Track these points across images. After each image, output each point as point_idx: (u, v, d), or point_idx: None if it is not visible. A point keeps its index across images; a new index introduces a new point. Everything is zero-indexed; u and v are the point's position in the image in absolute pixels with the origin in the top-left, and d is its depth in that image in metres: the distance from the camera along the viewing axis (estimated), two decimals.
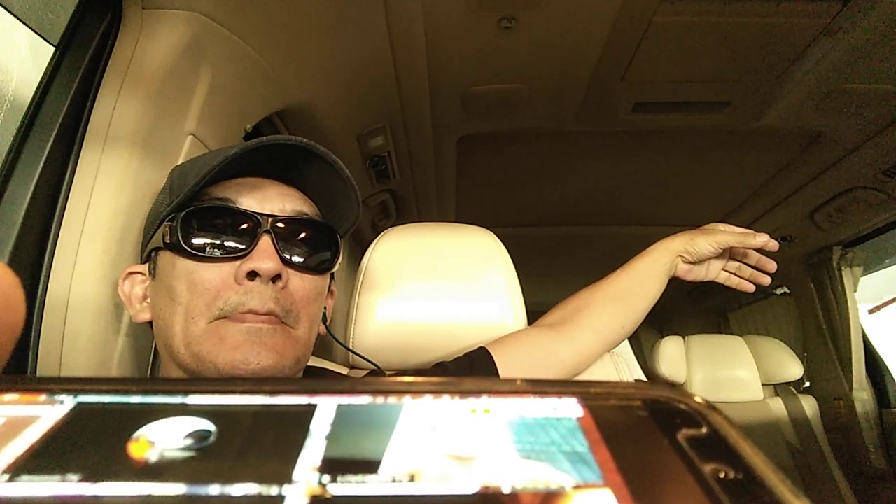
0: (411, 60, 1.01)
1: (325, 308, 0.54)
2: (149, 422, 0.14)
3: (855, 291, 1.77)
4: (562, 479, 0.12)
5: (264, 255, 0.45)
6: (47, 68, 0.57)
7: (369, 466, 0.12)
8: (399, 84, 1.09)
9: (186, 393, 0.15)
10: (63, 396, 0.15)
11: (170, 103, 0.63)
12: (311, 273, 0.49)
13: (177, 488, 0.12)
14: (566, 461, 0.13)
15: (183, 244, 0.45)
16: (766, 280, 0.76)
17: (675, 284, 0.76)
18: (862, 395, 1.74)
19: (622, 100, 1.19)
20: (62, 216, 0.55)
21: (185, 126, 0.65)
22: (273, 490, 0.12)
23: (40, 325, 0.52)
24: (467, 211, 1.77)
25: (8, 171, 0.53)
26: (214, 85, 0.69)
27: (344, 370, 0.77)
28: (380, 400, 0.15)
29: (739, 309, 2.62)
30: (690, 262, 0.74)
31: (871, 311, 4.18)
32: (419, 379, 0.16)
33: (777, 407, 1.80)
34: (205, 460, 0.13)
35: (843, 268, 1.76)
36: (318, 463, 0.12)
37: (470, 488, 0.12)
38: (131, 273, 0.51)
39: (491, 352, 0.64)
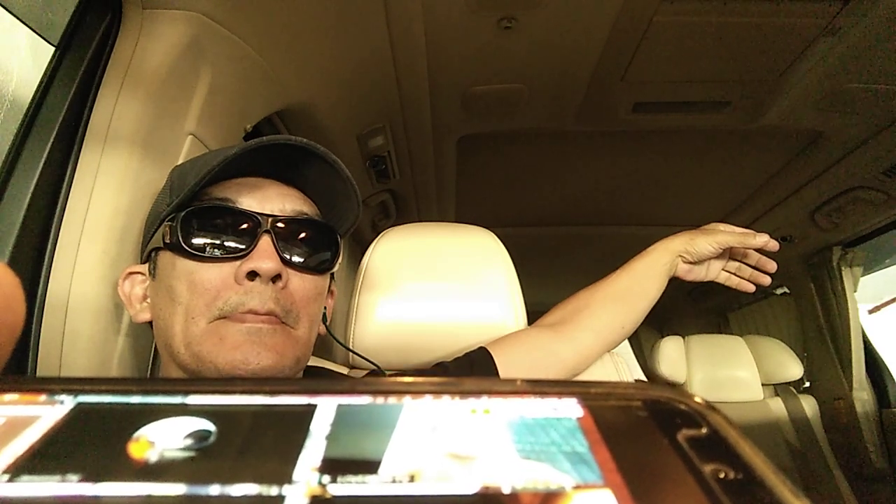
0: (411, 60, 1.01)
1: (325, 308, 0.54)
2: (149, 422, 0.14)
3: (855, 291, 1.77)
4: (562, 479, 0.12)
5: (264, 255, 0.45)
6: (47, 68, 0.57)
7: (369, 466, 0.12)
8: (399, 84, 1.09)
9: (186, 393, 0.15)
10: (63, 396, 0.15)
11: (170, 103, 0.63)
12: (311, 273, 0.49)
13: (177, 488, 0.12)
14: (566, 461, 0.13)
15: (183, 244, 0.45)
16: (766, 280, 0.76)
17: (675, 284, 0.76)
18: (862, 395, 1.74)
19: (622, 100, 1.19)
20: (62, 216, 0.55)
21: (185, 126, 0.65)
22: (273, 490, 0.12)
23: (40, 325, 0.52)
24: (467, 211, 1.77)
25: (8, 171, 0.53)
26: (214, 85, 0.69)
27: (344, 370, 0.77)
28: (380, 400, 0.15)
29: (739, 309, 2.62)
30: (690, 262, 0.74)
31: (871, 311, 4.18)
32: (419, 379, 0.16)
33: (777, 407, 1.80)
34: (205, 460, 0.13)
35: (843, 268, 1.76)
36: (318, 463, 0.12)
37: (470, 488, 0.12)
38: (131, 273, 0.51)
39: (491, 352, 0.64)
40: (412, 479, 0.12)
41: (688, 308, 2.83)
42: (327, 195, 0.52)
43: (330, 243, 0.51)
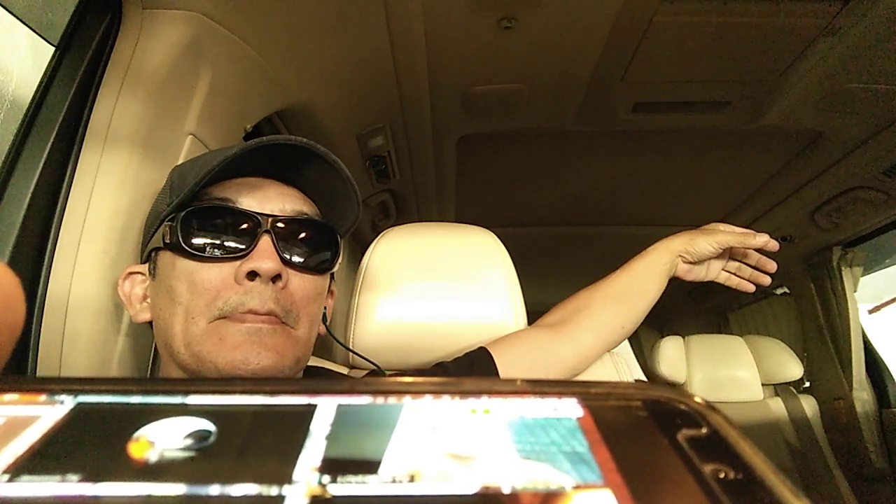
0: (411, 60, 1.01)
1: (325, 308, 0.54)
2: (149, 422, 0.14)
3: (855, 291, 1.77)
4: (562, 479, 0.12)
5: (264, 255, 0.45)
6: (47, 68, 0.57)
7: (369, 466, 0.12)
8: (399, 84, 1.09)
9: (186, 393, 0.15)
10: (63, 396, 0.15)
11: (170, 103, 0.63)
12: (311, 273, 0.49)
13: (177, 488, 0.12)
14: (566, 461, 0.13)
15: (183, 244, 0.45)
16: (766, 280, 0.76)
17: (675, 284, 0.76)
18: (862, 395, 1.74)
19: (622, 100, 1.19)
20: (62, 216, 0.55)
21: (185, 126, 0.65)
22: (273, 490, 0.12)
23: (40, 325, 0.52)
24: (467, 211, 1.77)
25: (8, 171, 0.53)
26: (214, 85, 0.69)
27: (344, 370, 0.77)
28: (380, 400, 0.15)
29: (739, 309, 2.62)
30: (690, 262, 0.74)
31: (871, 311, 4.18)
32: (419, 379, 0.16)
33: (777, 407, 1.80)
34: (205, 460, 0.13)
35: (843, 268, 1.76)
36: (318, 463, 0.12)
37: (470, 488, 0.12)
38: (131, 273, 0.51)
39: (491, 352, 0.64)
40: (412, 479, 0.12)
41: (688, 308, 2.83)
42: (327, 195, 0.52)
43: (330, 243, 0.51)
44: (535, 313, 0.75)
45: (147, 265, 0.51)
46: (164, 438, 0.13)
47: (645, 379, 2.02)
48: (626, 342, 3.04)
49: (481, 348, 0.65)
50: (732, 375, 1.82)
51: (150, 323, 0.50)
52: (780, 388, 1.87)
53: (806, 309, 1.95)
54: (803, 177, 1.49)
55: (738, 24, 0.94)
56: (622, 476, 0.12)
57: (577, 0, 0.88)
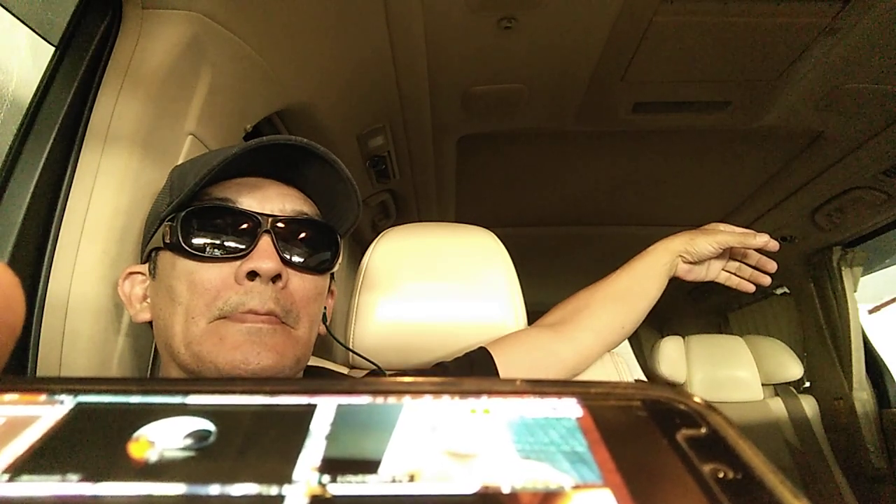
0: (411, 60, 1.01)
1: (325, 308, 0.54)
2: (149, 422, 0.14)
3: (855, 291, 1.77)
4: (561, 479, 0.12)
5: (264, 255, 0.45)
6: (47, 68, 0.57)
7: (369, 466, 0.12)
8: (399, 84, 1.09)
9: (186, 393, 0.15)
10: (63, 396, 0.15)
11: (170, 103, 0.63)
12: (311, 273, 0.49)
13: (177, 488, 0.12)
14: (566, 461, 0.13)
15: (183, 244, 0.45)
16: (767, 280, 0.76)
17: (675, 284, 0.76)
18: (862, 395, 1.74)
19: (622, 100, 1.19)
20: (62, 216, 0.55)
21: (185, 126, 0.65)
22: (273, 490, 0.12)
23: (40, 325, 0.52)
24: (467, 211, 1.77)
25: (8, 171, 0.53)
26: (214, 85, 0.69)
27: (344, 370, 0.77)
28: (380, 400, 0.15)
29: (739, 309, 2.62)
30: (690, 262, 0.74)
31: (871, 311, 4.18)
32: (419, 379, 0.16)
33: (777, 407, 1.80)
34: (205, 460, 0.13)
35: (843, 268, 1.76)
36: (318, 463, 0.12)
37: (470, 488, 0.12)
38: (131, 273, 0.51)
39: (491, 352, 0.64)
40: (412, 478, 0.12)
41: (688, 308, 2.83)
42: (327, 195, 0.52)
43: (330, 243, 0.51)
44: (535, 313, 0.75)
45: (147, 265, 0.51)
46: (164, 438, 0.13)
47: (645, 379, 2.02)
48: (626, 342, 3.04)
49: (481, 348, 0.65)
50: (732, 375, 1.82)
51: (150, 323, 0.50)
52: (780, 388, 1.87)
53: (806, 309, 1.95)
54: (803, 177, 1.49)
55: (737, 24, 0.94)
56: (621, 476, 0.12)
57: (577, 0, 0.88)
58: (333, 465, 0.12)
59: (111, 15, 0.62)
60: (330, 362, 0.80)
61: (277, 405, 0.15)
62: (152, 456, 0.13)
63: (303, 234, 0.49)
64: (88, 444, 0.13)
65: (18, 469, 0.12)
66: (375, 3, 0.86)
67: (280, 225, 0.47)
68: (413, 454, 0.13)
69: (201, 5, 0.65)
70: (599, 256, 1.77)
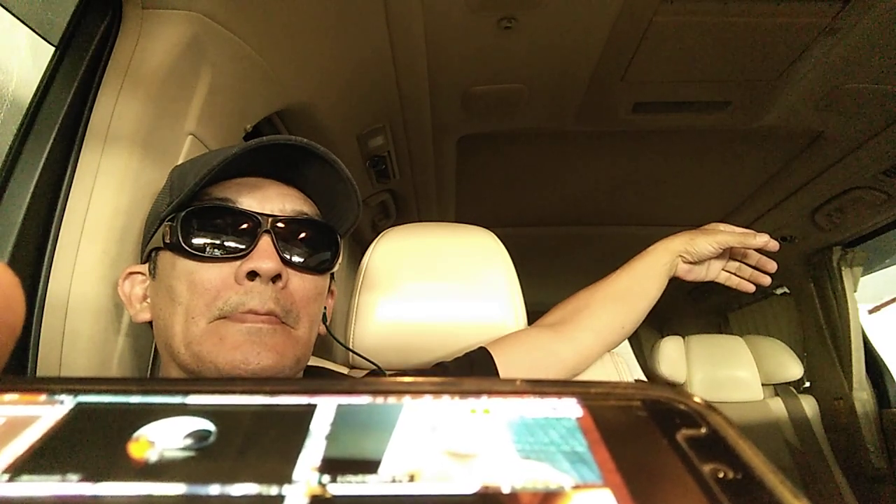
0: (411, 60, 1.01)
1: (325, 308, 0.54)
2: (149, 422, 0.14)
3: (855, 291, 1.77)
4: (561, 479, 0.12)
5: (264, 255, 0.45)
6: (47, 68, 0.57)
7: (369, 466, 0.12)
8: (399, 84, 1.09)
9: (186, 393, 0.15)
10: (63, 396, 0.15)
11: (170, 103, 0.63)
12: (311, 273, 0.49)
13: (177, 488, 0.12)
14: (566, 461, 0.13)
15: (183, 244, 0.45)
16: (767, 280, 0.76)
17: (675, 284, 0.76)
18: (862, 395, 1.74)
19: (622, 100, 1.19)
20: (62, 216, 0.55)
21: (185, 126, 0.65)
22: (273, 490, 0.12)
23: (40, 325, 0.52)
24: (467, 211, 1.77)
25: (8, 171, 0.53)
26: (214, 85, 0.69)
27: (344, 370, 0.77)
28: (380, 400, 0.15)
29: (739, 309, 2.62)
30: (690, 262, 0.74)
31: (871, 311, 4.18)
32: (419, 379, 0.16)
33: (777, 407, 1.80)
34: (205, 460, 0.13)
35: (843, 268, 1.76)
36: (318, 463, 0.12)
37: (469, 488, 0.12)
38: (131, 273, 0.51)
39: (491, 352, 0.64)
40: (412, 478, 0.12)
41: (688, 308, 2.83)
42: (327, 195, 0.52)
43: (330, 243, 0.51)
44: (535, 313, 0.75)
45: (147, 265, 0.51)
46: (164, 438, 0.13)
47: (645, 379, 2.02)
48: (626, 342, 3.04)
49: (481, 348, 0.65)
50: (732, 375, 1.82)
51: (150, 323, 0.50)
52: (780, 388, 1.87)
53: (806, 309, 1.95)
54: (803, 177, 1.49)
55: (737, 24, 0.94)
56: (621, 476, 0.12)
57: (577, 0, 0.88)
58: (333, 465, 0.12)
59: (111, 15, 0.62)
60: (330, 362, 0.80)
61: (277, 405, 0.15)
62: (152, 456, 0.13)
63: (303, 234, 0.49)
64: (88, 444, 0.13)
65: (18, 469, 0.12)
66: (375, 3, 0.86)
67: (280, 225, 0.47)
68: (413, 454, 0.13)
69: (201, 5, 0.65)
70: (599, 256, 1.77)
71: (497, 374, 0.62)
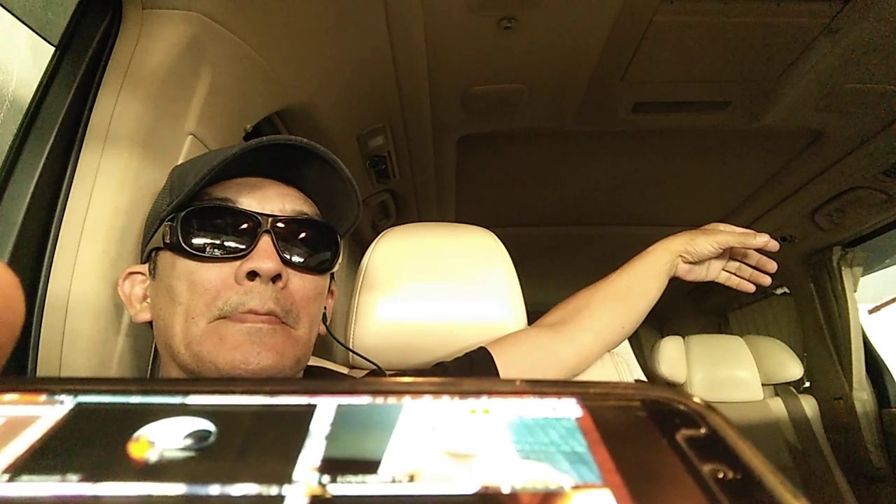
0: (411, 60, 1.01)
1: (325, 308, 0.54)
2: (149, 422, 0.14)
3: (855, 291, 1.77)
4: (561, 479, 0.12)
5: (264, 255, 0.45)
6: (47, 68, 0.57)
7: (369, 466, 0.12)
8: (399, 84, 1.09)
9: (186, 393, 0.15)
10: (63, 396, 0.15)
11: (170, 103, 0.63)
12: (311, 273, 0.49)
13: (177, 488, 0.12)
14: (565, 461, 0.13)
15: (183, 244, 0.45)
16: (767, 280, 0.76)
17: (675, 284, 0.76)
18: (862, 395, 1.74)
19: (622, 100, 1.19)
20: (62, 216, 0.55)
21: (185, 126, 0.65)
22: (273, 490, 0.12)
23: (40, 325, 0.52)
24: (467, 211, 1.77)
25: (8, 171, 0.53)
26: (214, 85, 0.69)
27: (344, 370, 0.77)
28: (380, 400, 0.15)
29: (739, 309, 2.62)
30: (691, 262, 0.74)
31: (871, 311, 4.18)
32: (419, 379, 0.16)
33: (777, 407, 1.80)
34: (205, 460, 0.13)
35: (843, 268, 1.76)
36: (318, 463, 0.12)
37: (469, 488, 0.12)
38: (131, 273, 0.51)
39: (491, 352, 0.64)
40: (412, 478, 0.12)
41: (688, 308, 2.83)
42: (327, 195, 0.52)
43: (330, 243, 0.51)
44: (535, 313, 0.75)
45: (147, 265, 0.51)
46: (164, 438, 0.13)
47: (645, 379, 2.02)
48: (626, 342, 3.04)
49: (481, 348, 0.65)
50: (732, 375, 1.82)
51: (150, 323, 0.50)
52: (780, 388, 1.87)
53: (806, 309, 1.95)
54: (803, 177, 1.49)
55: (737, 24, 0.94)
56: (621, 476, 0.12)
57: (577, 0, 0.88)
58: (333, 465, 0.12)
59: (111, 15, 0.62)
60: (330, 362, 0.80)
61: (277, 405, 0.15)
62: (152, 456, 0.13)
63: (303, 234, 0.49)
64: (88, 444, 0.13)
65: (18, 469, 0.12)
66: (375, 3, 0.86)
67: (280, 225, 0.47)
68: (413, 454, 0.13)
69: (201, 5, 0.65)
70: (599, 256, 1.77)
71: (497, 374, 0.62)
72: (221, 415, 0.14)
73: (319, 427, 0.14)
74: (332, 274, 0.54)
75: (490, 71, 1.08)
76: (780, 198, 1.62)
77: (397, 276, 0.75)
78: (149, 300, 0.50)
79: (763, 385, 1.82)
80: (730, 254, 0.76)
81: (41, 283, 0.53)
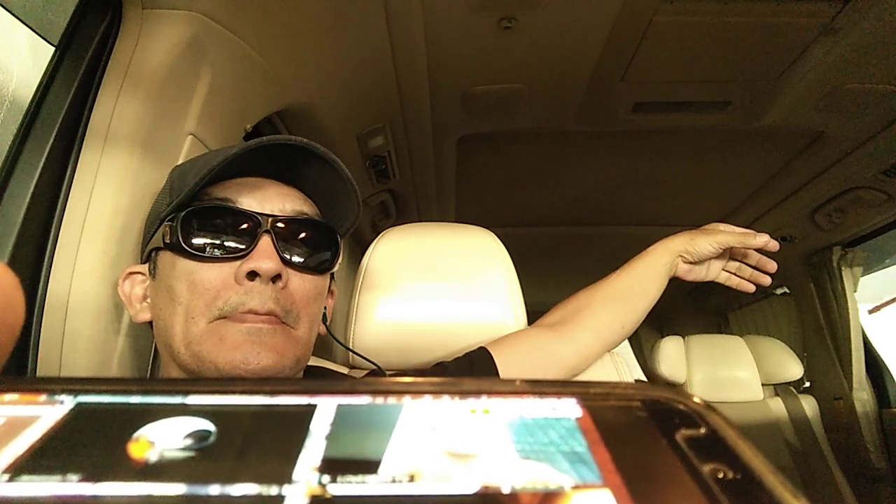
0: (411, 60, 1.01)
1: (325, 308, 0.54)
2: (149, 422, 0.14)
3: (855, 291, 1.77)
4: (561, 479, 0.12)
5: (264, 255, 0.45)
6: (47, 68, 0.57)
7: (369, 466, 0.12)
8: (399, 84, 1.09)
9: (186, 393, 0.15)
10: (63, 396, 0.15)
11: (170, 103, 0.63)
12: (311, 273, 0.49)
13: (177, 488, 0.12)
14: (565, 461, 0.13)
15: (183, 244, 0.45)
16: (767, 280, 0.76)
17: (675, 284, 0.76)
18: (862, 395, 1.74)
19: (622, 100, 1.19)
20: (62, 216, 0.55)
21: (185, 126, 0.65)
22: (273, 490, 0.12)
23: (40, 325, 0.52)
24: (467, 211, 1.77)
25: (8, 171, 0.53)
26: (214, 85, 0.69)
27: (344, 370, 0.77)
28: (380, 400, 0.15)
29: (739, 309, 2.62)
30: (691, 262, 0.74)
31: (871, 311, 4.18)
32: (419, 379, 0.16)
33: (777, 407, 1.80)
34: (205, 460, 0.13)
35: (843, 268, 1.76)
36: (318, 463, 0.12)
37: (469, 488, 0.12)
38: (131, 273, 0.51)
39: (491, 352, 0.64)
40: (412, 478, 0.12)
41: (688, 308, 2.83)
42: (327, 195, 0.52)
43: (330, 243, 0.51)
44: (535, 313, 0.75)
45: (147, 265, 0.51)
46: (164, 438, 0.13)
47: (645, 379, 2.02)
48: (626, 342, 3.04)
49: (481, 348, 0.65)
50: (732, 375, 1.82)
51: (150, 323, 0.50)
52: (780, 388, 1.87)
53: (806, 309, 1.95)
54: (803, 177, 1.49)
55: (737, 24, 0.94)
56: (621, 476, 0.12)
57: (577, 0, 0.88)
58: (333, 465, 0.12)
59: (111, 15, 0.62)
60: (330, 362, 0.80)
61: (277, 405, 0.15)
62: (152, 456, 0.13)
63: (303, 234, 0.49)
64: (88, 444, 0.13)
65: (18, 469, 0.12)
66: (375, 3, 0.86)
67: (280, 225, 0.47)
68: (413, 454, 0.13)
69: (201, 5, 0.65)
70: (599, 256, 1.77)
71: (497, 374, 0.62)
72: (221, 415, 0.14)
73: (319, 427, 0.14)
74: (332, 274, 0.54)
75: (490, 71, 1.08)
76: (780, 198, 1.62)
77: (397, 276, 0.75)
78: (149, 300, 0.50)
79: (763, 385, 1.82)
80: (730, 254, 0.76)
81: (41, 283, 0.53)
